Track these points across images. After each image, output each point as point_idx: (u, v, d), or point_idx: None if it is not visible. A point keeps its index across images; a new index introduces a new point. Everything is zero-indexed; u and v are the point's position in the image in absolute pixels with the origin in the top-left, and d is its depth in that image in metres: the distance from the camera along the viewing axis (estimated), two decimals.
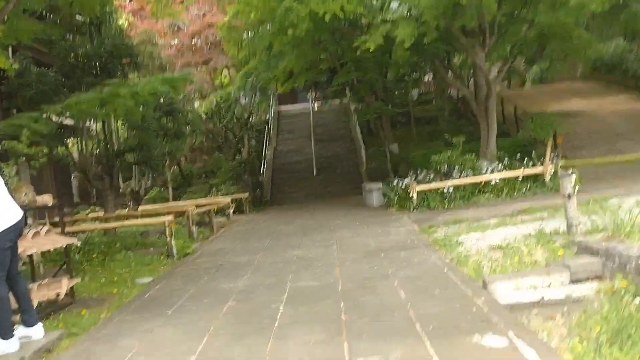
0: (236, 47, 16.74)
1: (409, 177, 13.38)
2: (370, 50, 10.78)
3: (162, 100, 11.77)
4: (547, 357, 3.23)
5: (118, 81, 8.50)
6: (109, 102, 8.14)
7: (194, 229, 10.79)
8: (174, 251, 9.09)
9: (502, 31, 13.32)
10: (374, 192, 14.04)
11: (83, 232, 10.70)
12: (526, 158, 13.17)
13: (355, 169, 23.15)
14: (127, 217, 11.18)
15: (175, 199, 17.81)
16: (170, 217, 9.20)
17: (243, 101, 21.17)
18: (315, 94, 30.18)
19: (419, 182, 12.45)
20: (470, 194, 11.62)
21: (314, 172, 22.14)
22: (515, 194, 11.47)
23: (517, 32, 13.57)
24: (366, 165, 21.45)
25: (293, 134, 27.68)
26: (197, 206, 12.60)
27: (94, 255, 8.83)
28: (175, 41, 19.16)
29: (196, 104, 21.17)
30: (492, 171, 12.02)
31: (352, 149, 24.71)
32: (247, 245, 9.81)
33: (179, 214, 11.51)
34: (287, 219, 13.77)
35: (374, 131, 24.83)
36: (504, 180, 11.69)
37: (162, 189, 20.11)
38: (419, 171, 14.93)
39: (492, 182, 11.57)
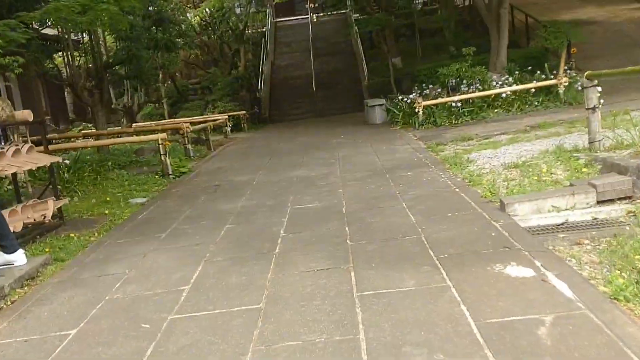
0: None
1: (414, 93, 12.76)
2: None
3: (150, 8, 10.90)
4: (583, 291, 2.87)
5: None
6: (91, 8, 7.39)
7: (190, 147, 10.34)
8: (169, 170, 8.70)
9: None
10: (377, 109, 13.46)
11: (74, 149, 10.26)
12: (538, 70, 12.52)
13: (357, 85, 22.34)
14: (119, 134, 10.69)
15: (171, 115, 17.25)
16: (163, 135, 8.72)
17: (238, 11, 19.99)
18: (314, 4, 28.72)
19: (424, 97, 11.85)
20: (479, 109, 11.06)
21: (314, 88, 21.36)
22: (527, 108, 10.92)
23: None
24: (368, 81, 20.66)
25: (291, 47, 26.60)
26: (193, 123, 12.09)
27: (85, 174, 8.44)
28: None
29: (189, 15, 19.93)
30: (503, 84, 11.39)
31: (353, 63, 23.77)
32: (246, 164, 9.41)
33: (174, 131, 11.03)
34: (287, 137, 13.31)
35: (376, 44, 23.75)
36: (515, 93, 11.09)
37: (157, 105, 19.47)
38: (424, 86, 14.29)
39: (503, 96, 10.97)
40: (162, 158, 8.67)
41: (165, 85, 17.58)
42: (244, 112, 16.97)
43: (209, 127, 12.18)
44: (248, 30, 24.49)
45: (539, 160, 6.05)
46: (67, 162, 8.72)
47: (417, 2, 23.00)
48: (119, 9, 7.38)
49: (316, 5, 28.64)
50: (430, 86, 12.53)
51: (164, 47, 11.00)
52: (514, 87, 11.01)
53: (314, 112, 21.09)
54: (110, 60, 10.35)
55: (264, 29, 26.24)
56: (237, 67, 21.47)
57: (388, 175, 6.72)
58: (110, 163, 9.85)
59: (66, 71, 9.99)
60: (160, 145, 8.64)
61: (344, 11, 26.39)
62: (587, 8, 20.51)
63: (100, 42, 11.26)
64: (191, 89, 21.67)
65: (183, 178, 8.66)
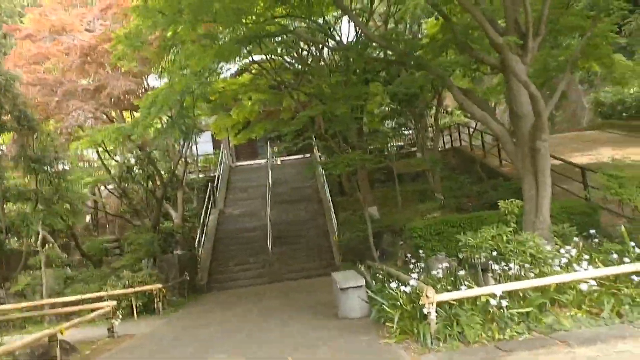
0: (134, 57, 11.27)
1: (414, 272, 7.83)
2: None
3: None
4: None
5: None
6: None
7: None
8: None
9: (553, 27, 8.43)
10: (350, 293, 8.31)
11: None
12: (597, 236, 8.01)
13: (324, 239, 17.63)
14: None
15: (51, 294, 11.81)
16: None
17: (182, 148, 15.50)
18: (276, 148, 25.03)
19: (432, 280, 6.91)
20: (539, 310, 6.05)
21: (269, 244, 16.50)
22: (629, 311, 5.93)
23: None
24: (338, 235, 15.91)
25: (247, 192, 22.26)
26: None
27: None
28: (60, 64, 13.71)
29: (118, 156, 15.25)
30: (571, 263, 6.55)
31: (320, 212, 19.42)
32: None
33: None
34: (211, 342, 7.94)
35: (347, 190, 19.50)
36: (596, 280, 6.20)
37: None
38: (421, 252, 9.49)
39: (584, 288, 6.03)
40: None
41: (44, 248, 12.34)
42: (159, 286, 11.63)
43: (57, 337, 6.78)
44: (191, 173, 20.15)
45: None
46: None
47: (392, 144, 19.31)
48: None
49: (278, 149, 25.02)
50: (447, 262, 7.61)
51: None
52: (603, 271, 6.10)
53: (268, 275, 16.05)
54: None
55: (216, 174, 22.17)
56: (170, 219, 16.54)
57: None
58: None
59: None
60: None
61: (309, 155, 22.78)
62: (603, 149, 17.06)
63: None
64: (108, 249, 16.41)
65: None
